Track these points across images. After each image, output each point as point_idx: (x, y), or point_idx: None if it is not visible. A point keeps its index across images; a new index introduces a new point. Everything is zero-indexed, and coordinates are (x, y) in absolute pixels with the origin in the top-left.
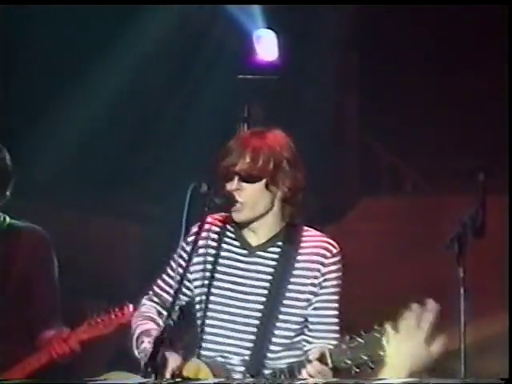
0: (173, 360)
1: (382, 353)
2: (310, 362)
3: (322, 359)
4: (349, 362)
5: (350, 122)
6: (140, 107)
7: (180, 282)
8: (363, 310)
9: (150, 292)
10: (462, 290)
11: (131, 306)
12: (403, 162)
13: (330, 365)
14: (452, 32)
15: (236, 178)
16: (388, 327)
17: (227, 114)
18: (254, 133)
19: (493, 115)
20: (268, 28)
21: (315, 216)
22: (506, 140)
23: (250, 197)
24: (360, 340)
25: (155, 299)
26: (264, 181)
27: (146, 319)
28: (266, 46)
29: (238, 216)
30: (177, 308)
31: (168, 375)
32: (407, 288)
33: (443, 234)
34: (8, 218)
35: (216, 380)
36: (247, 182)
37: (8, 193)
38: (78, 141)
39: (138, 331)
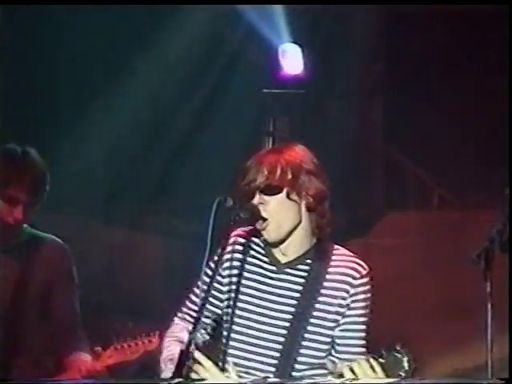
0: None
1: (402, 373)
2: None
3: (343, 377)
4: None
5: (376, 135)
6: (166, 121)
7: (207, 299)
8: (389, 324)
9: (184, 309)
10: (489, 305)
11: (158, 334)
12: (429, 175)
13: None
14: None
15: (257, 193)
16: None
17: (253, 128)
18: (271, 149)
19: None
20: (293, 42)
21: (341, 229)
22: None
23: (274, 210)
24: (381, 360)
25: (187, 318)
26: (285, 191)
27: (176, 340)
28: (292, 60)
29: (268, 235)
30: (208, 323)
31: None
32: (433, 302)
33: (470, 248)
34: (30, 228)
35: (224, 381)
36: (268, 194)
37: (45, 195)
38: (103, 155)
39: (164, 355)
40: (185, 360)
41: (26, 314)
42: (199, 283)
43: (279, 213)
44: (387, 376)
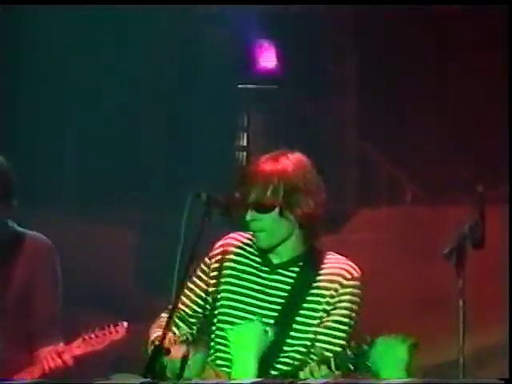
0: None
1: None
2: (314, 366)
3: (326, 363)
4: (352, 367)
5: (349, 131)
6: (140, 116)
7: (199, 297)
8: (361, 319)
9: (170, 306)
10: (460, 302)
11: (125, 324)
12: (402, 172)
13: (334, 369)
14: (452, 34)
15: (249, 209)
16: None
17: (227, 122)
18: (267, 159)
19: (492, 125)
20: (268, 37)
21: None
22: (506, 151)
23: (267, 225)
24: (365, 347)
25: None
26: (277, 209)
27: (161, 328)
28: (266, 56)
29: (260, 243)
30: (194, 321)
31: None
32: (406, 298)
33: (442, 244)
34: (14, 225)
35: (219, 380)
36: (261, 212)
37: (15, 203)
38: (79, 150)
39: (151, 338)
40: (157, 356)
41: (6, 311)
42: (191, 281)
43: (271, 227)
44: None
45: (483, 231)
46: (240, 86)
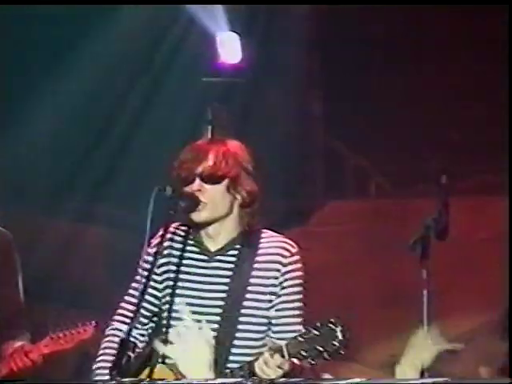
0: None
1: (336, 344)
2: (267, 356)
3: (278, 351)
4: (305, 353)
5: (314, 124)
6: (104, 109)
7: (144, 295)
8: (327, 311)
9: (121, 310)
10: (425, 292)
11: (94, 323)
12: (368, 165)
13: (287, 357)
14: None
15: (197, 180)
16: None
17: (192, 116)
18: (213, 140)
19: (458, 117)
20: (231, 31)
21: (281, 218)
22: (471, 140)
23: (211, 197)
24: (315, 332)
25: (125, 319)
26: (226, 182)
27: (112, 341)
28: (230, 49)
29: (197, 216)
30: (146, 321)
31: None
32: (372, 289)
33: (407, 236)
34: None
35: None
36: (209, 182)
37: None
38: (43, 143)
39: (100, 353)
40: (124, 352)
41: None
42: (134, 282)
43: (215, 200)
44: (323, 348)
45: (447, 222)
46: (204, 79)
